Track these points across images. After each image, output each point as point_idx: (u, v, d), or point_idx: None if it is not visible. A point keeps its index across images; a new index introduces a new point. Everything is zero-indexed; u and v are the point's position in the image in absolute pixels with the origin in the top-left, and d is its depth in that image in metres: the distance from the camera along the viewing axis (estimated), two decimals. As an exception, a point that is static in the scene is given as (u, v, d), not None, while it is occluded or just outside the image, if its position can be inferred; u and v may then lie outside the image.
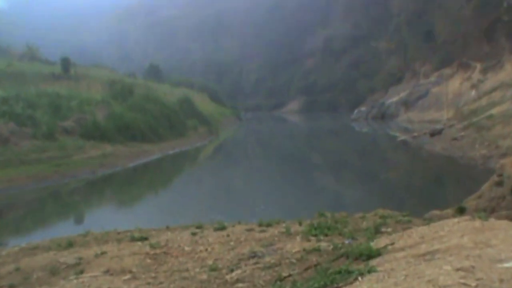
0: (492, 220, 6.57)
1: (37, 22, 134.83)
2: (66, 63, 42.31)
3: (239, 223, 10.13)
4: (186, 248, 8.00)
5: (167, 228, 10.35)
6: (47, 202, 20.38)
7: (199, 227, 9.76)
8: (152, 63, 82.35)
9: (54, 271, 7.29)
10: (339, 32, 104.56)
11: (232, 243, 8.15)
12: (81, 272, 7.10)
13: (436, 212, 10.44)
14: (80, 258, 7.79)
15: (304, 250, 7.15)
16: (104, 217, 16.65)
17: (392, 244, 6.09)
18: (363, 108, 71.83)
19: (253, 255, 7.25)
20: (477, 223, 6.23)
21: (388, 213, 10.21)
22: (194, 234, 9.02)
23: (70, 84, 38.05)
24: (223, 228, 9.38)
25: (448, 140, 32.13)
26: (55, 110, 29.12)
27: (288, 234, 8.47)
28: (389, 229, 8.25)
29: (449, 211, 10.19)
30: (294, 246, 7.50)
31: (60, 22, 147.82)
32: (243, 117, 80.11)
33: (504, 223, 6.32)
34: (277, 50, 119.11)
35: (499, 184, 10.56)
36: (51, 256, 8.21)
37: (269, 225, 9.46)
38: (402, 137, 39.75)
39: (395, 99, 66.65)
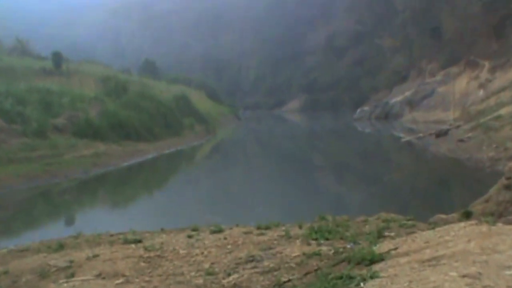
0: (499, 225, 6.57)
1: (27, 16, 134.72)
2: (57, 58, 42.25)
3: (237, 225, 10.12)
4: (182, 251, 8.00)
5: (162, 230, 10.35)
6: (37, 202, 20.36)
7: (195, 229, 9.76)
8: (148, 59, 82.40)
9: (43, 274, 7.28)
10: (342, 28, 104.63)
11: (229, 246, 8.14)
12: (72, 275, 7.09)
13: (442, 216, 10.43)
14: (71, 261, 7.78)
15: (304, 254, 7.15)
16: (97, 219, 16.64)
17: (396, 249, 6.09)
18: (366, 108, 71.85)
19: (251, 259, 7.25)
20: (484, 227, 6.23)
21: (392, 217, 10.21)
22: (190, 236, 9.02)
23: (62, 80, 38.02)
24: (220, 230, 9.37)
25: (454, 142, 32.14)
26: (46, 107, 29.08)
27: (288, 237, 8.47)
28: (393, 233, 8.25)
29: (455, 215, 10.18)
30: (294, 250, 7.50)
31: (52, 15, 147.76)
32: (242, 116, 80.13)
33: (512, 228, 6.32)
34: (278, 46, 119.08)
35: (508, 187, 10.55)
36: (41, 259, 8.20)
37: (267, 228, 9.46)
38: (406, 138, 39.77)
39: (399, 98, 66.63)
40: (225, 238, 8.68)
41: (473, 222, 6.94)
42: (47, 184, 21.88)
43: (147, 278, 6.74)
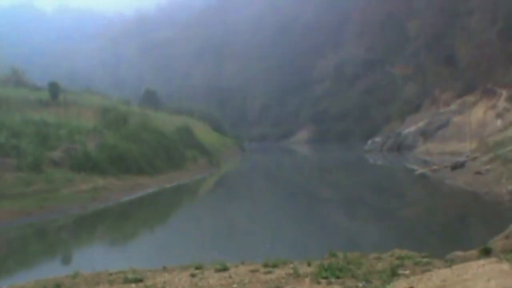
0: (520, 262, 6.55)
1: (23, 45, 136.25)
2: (54, 89, 42.53)
3: (243, 263, 10.12)
4: (185, 291, 7.99)
5: (164, 268, 10.34)
6: (32, 240, 20.34)
7: (198, 267, 9.76)
8: (148, 88, 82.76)
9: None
10: (352, 55, 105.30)
11: (235, 285, 8.14)
12: (70, 316, 7.09)
13: (459, 253, 10.41)
14: (69, 302, 7.79)
15: (314, 293, 7.14)
16: (95, 257, 16.61)
17: None
18: (377, 139, 71.90)
19: (258, 299, 7.24)
20: (505, 265, 6.21)
21: (406, 254, 10.19)
22: (193, 275, 9.02)
23: (59, 111, 38.20)
24: (225, 269, 9.37)
25: (471, 174, 32.07)
26: (42, 139, 29.16)
27: (296, 275, 8.46)
28: (407, 271, 8.23)
29: (474, 252, 10.15)
30: (303, 289, 7.48)
31: (49, 45, 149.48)
32: (247, 148, 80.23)
33: (533, 265, 6.30)
34: (285, 75, 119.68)
35: (529, 222, 10.53)
36: (36, 299, 8.21)
37: (275, 265, 9.45)
38: (420, 170, 39.71)
39: (412, 129, 66.75)
40: (230, 277, 8.68)
41: (493, 259, 6.93)
42: (42, 220, 21.85)
43: (148, 320, 6.74)
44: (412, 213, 25.20)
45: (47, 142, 29.26)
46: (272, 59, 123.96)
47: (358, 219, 24.61)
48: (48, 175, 25.86)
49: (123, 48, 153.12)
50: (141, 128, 38.92)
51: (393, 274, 8.04)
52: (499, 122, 49.43)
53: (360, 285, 7.45)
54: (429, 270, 7.72)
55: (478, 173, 31.31)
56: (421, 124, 65.70)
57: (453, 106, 63.63)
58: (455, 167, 36.13)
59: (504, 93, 54.41)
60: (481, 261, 6.75)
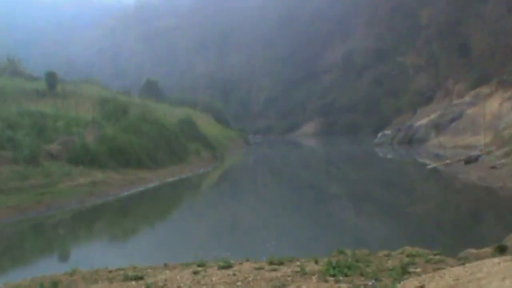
0: (537, 260, 6.52)
1: (19, 34, 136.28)
2: (51, 79, 42.63)
3: (247, 260, 10.12)
4: (187, 289, 8.00)
5: (165, 266, 10.36)
6: (28, 236, 20.38)
7: (201, 265, 9.77)
8: (149, 79, 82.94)
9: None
10: (361, 45, 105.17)
11: (239, 283, 8.14)
12: (67, 315, 7.11)
13: (473, 250, 10.38)
14: (66, 300, 7.80)
15: (321, 292, 7.14)
16: (94, 253, 16.66)
17: (422, 286, 6.06)
18: (387, 132, 71.84)
19: (263, 297, 7.24)
20: (521, 264, 6.18)
21: (417, 251, 10.18)
22: (195, 273, 9.03)
23: (56, 102, 38.32)
24: (228, 266, 9.38)
25: (486, 169, 32.01)
26: (39, 131, 29.24)
27: (303, 273, 8.46)
28: (418, 270, 8.23)
29: (488, 249, 10.13)
30: (310, 287, 7.48)
31: (46, 34, 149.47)
32: (251, 141, 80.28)
33: (551, 263, 6.28)
34: (291, 65, 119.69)
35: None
36: (33, 297, 8.23)
37: (281, 263, 9.46)
38: (432, 164, 39.66)
39: (424, 121, 66.65)
40: (234, 274, 8.68)
41: (508, 257, 6.90)
42: (39, 215, 21.90)
43: (149, 318, 6.74)
44: (424, 209, 25.16)
45: (44, 134, 29.32)
46: (278, 48, 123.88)
47: (367, 215, 24.59)
48: (45, 169, 25.91)
49: (123, 37, 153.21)
50: (141, 120, 38.97)
51: (404, 272, 8.04)
52: (514, 115, 49.25)
53: (369, 283, 7.44)
54: (441, 268, 7.70)
55: (493, 167, 31.25)
56: (433, 116, 65.57)
57: (467, 98, 63.49)
58: (469, 161, 36.06)
59: (520, 84, 54.32)
60: (496, 259, 6.72)
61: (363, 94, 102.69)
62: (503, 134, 42.36)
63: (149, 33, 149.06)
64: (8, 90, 37.75)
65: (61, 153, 28.42)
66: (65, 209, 23.31)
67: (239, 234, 20.37)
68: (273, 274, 8.60)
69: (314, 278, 8.11)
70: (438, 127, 62.61)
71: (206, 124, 59.55)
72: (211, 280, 8.38)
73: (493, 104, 55.44)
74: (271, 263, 9.48)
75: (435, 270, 7.67)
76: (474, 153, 38.32)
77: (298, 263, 9.43)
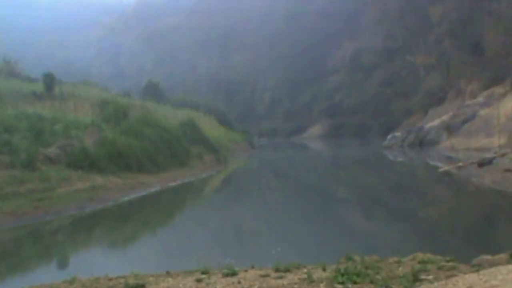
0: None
1: (16, 34, 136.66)
2: (49, 80, 42.72)
3: (252, 267, 10.12)
4: (190, 298, 8.01)
5: (168, 273, 10.36)
6: (26, 243, 20.41)
7: (205, 272, 9.77)
8: (150, 80, 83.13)
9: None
10: (370, 44, 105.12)
11: (244, 291, 8.14)
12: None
13: (487, 257, 10.36)
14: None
15: (329, 300, 7.14)
16: (94, 260, 16.68)
17: (434, 293, 6.06)
18: (397, 133, 71.82)
19: (269, 305, 7.24)
20: (536, 269, 6.18)
21: (429, 258, 10.17)
22: (199, 280, 9.03)
23: (54, 105, 38.40)
24: (233, 273, 9.38)
25: (500, 172, 31.97)
26: (37, 135, 29.28)
27: (310, 281, 8.46)
28: (430, 277, 8.21)
29: (503, 256, 10.11)
30: (318, 295, 7.48)
31: (43, 34, 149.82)
32: (256, 144, 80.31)
33: None
34: (297, 65, 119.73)
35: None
36: (31, 306, 8.25)
37: (287, 270, 9.46)
38: (444, 167, 39.60)
39: (435, 123, 66.59)
40: (239, 282, 8.69)
41: (523, 263, 6.89)
42: (37, 222, 21.94)
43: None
44: (436, 214, 25.13)
45: (42, 137, 29.36)
46: (283, 48, 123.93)
47: (376, 220, 24.57)
48: (42, 173, 25.94)
49: (122, 37, 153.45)
50: (142, 123, 39.01)
51: (415, 279, 8.03)
52: (530, 116, 49.23)
53: (380, 291, 7.44)
54: (454, 275, 7.70)
55: (508, 170, 31.21)
56: (445, 117, 65.52)
57: (480, 98, 63.44)
58: (482, 164, 36.00)
59: (536, 83, 54.28)
60: (511, 266, 6.72)
61: (371, 94, 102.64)
62: (518, 136, 42.32)
63: (150, 33, 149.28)
64: (5, 92, 37.85)
65: (59, 157, 28.46)
66: (63, 215, 23.35)
67: (244, 240, 20.37)
68: (279, 281, 8.60)
69: (322, 285, 8.11)
70: (450, 128, 62.51)
71: (209, 127, 59.61)
72: (215, 288, 8.39)
73: (508, 105, 55.33)
74: (277, 270, 9.49)
75: (447, 277, 7.67)
76: (487, 155, 38.25)
77: (305, 270, 9.43)
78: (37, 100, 39.20)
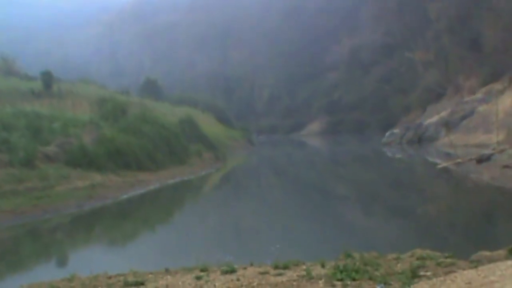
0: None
1: (13, 32, 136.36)
2: (47, 78, 42.65)
3: (251, 264, 10.14)
4: (189, 295, 8.02)
5: (167, 271, 10.38)
6: (25, 241, 20.43)
7: (204, 269, 9.79)
8: (149, 77, 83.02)
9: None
10: (368, 40, 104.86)
11: (243, 288, 8.16)
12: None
13: (485, 253, 10.39)
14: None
15: (328, 297, 7.15)
16: (93, 258, 16.69)
17: (433, 290, 6.08)
18: (396, 130, 71.68)
19: (268, 302, 7.26)
20: (534, 265, 6.20)
21: (428, 254, 10.19)
22: (198, 278, 9.05)
23: (53, 103, 38.36)
24: (232, 271, 9.40)
25: (499, 168, 31.97)
26: (35, 133, 29.25)
27: (309, 278, 8.48)
28: (429, 273, 8.23)
29: (501, 252, 10.13)
30: (316, 292, 7.49)
31: (41, 31, 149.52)
32: (255, 141, 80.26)
33: None
34: (295, 62, 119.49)
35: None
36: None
37: (286, 267, 9.48)
38: (443, 164, 39.58)
39: (434, 119, 66.53)
40: (238, 280, 8.70)
41: (521, 259, 6.91)
42: (36, 220, 21.95)
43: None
44: (434, 210, 25.16)
45: (40, 135, 29.33)
46: (281, 45, 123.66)
47: (375, 217, 24.60)
48: (41, 171, 25.93)
49: (121, 34, 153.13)
50: (141, 120, 38.96)
51: (414, 275, 8.04)
52: (528, 112, 49.18)
53: (378, 287, 7.45)
54: (452, 272, 7.72)
55: (506, 166, 31.20)
56: (443, 114, 65.45)
57: (479, 94, 63.36)
58: (481, 160, 35.98)
59: (534, 80, 54.22)
60: (509, 262, 6.74)
61: (370, 91, 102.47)
62: (517, 132, 42.32)
63: (148, 30, 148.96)
64: (3, 90, 37.80)
65: (58, 155, 28.44)
66: (62, 213, 23.36)
67: (243, 237, 20.40)
68: (278, 278, 8.62)
69: (320, 282, 8.13)
70: (448, 125, 62.40)
71: (208, 124, 59.56)
72: (214, 286, 8.41)
73: (506, 101, 55.29)
74: (276, 267, 9.50)
75: (446, 273, 7.69)
76: (486, 152, 38.22)
77: (304, 267, 9.45)
78: (35, 98, 39.16)
